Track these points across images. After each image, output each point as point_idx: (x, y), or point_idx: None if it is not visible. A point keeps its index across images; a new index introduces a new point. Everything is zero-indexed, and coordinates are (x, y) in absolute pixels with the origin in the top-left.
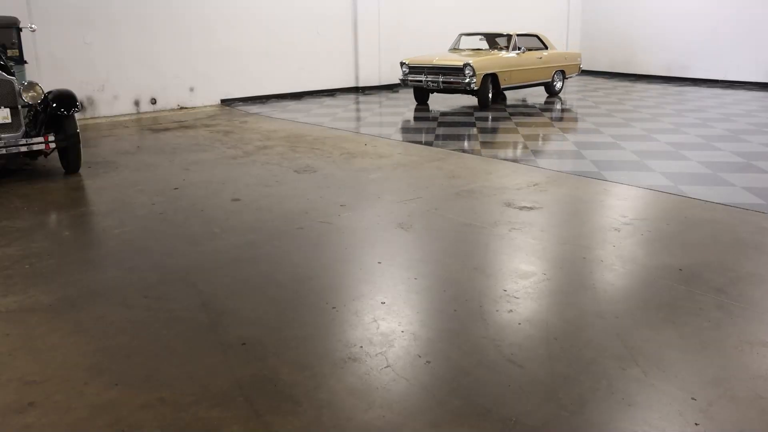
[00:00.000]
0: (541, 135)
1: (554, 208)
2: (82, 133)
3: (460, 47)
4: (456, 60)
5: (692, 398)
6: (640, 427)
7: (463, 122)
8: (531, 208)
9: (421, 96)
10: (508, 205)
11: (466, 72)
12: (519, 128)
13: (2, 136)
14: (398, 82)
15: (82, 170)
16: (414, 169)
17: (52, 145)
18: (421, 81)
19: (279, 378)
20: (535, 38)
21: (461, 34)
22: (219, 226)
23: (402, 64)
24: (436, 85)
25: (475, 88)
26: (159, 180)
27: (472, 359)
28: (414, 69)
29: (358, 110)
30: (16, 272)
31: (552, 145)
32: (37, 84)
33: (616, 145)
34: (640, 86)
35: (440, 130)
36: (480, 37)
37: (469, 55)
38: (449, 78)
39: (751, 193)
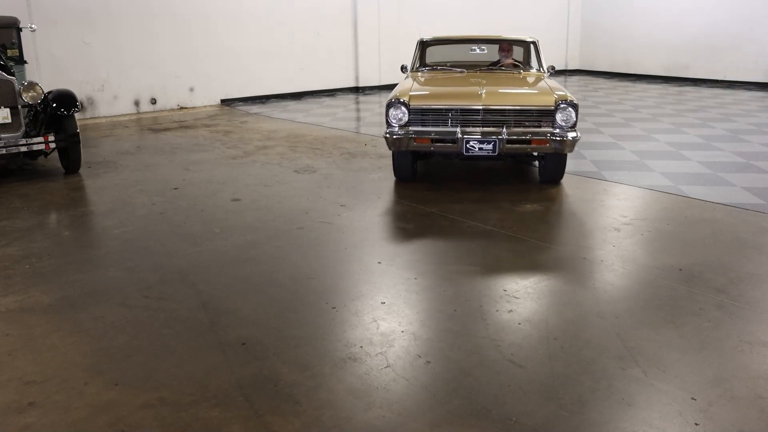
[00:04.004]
0: None
1: (554, 208)
2: (82, 133)
3: (423, 68)
4: (537, 96)
5: (692, 398)
6: (640, 427)
7: None
8: (531, 208)
9: (409, 166)
10: (509, 205)
11: (560, 119)
12: None
13: (2, 136)
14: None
15: (82, 170)
16: None
17: (52, 145)
18: (452, 140)
19: (279, 378)
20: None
21: (422, 43)
22: (219, 226)
23: (396, 103)
24: (490, 147)
25: (569, 152)
26: (159, 180)
27: (472, 359)
28: (428, 113)
29: (358, 110)
30: (16, 272)
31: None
32: (37, 84)
33: (616, 145)
34: (640, 86)
35: None
36: (474, 47)
37: (531, 84)
38: (524, 131)
39: (751, 193)
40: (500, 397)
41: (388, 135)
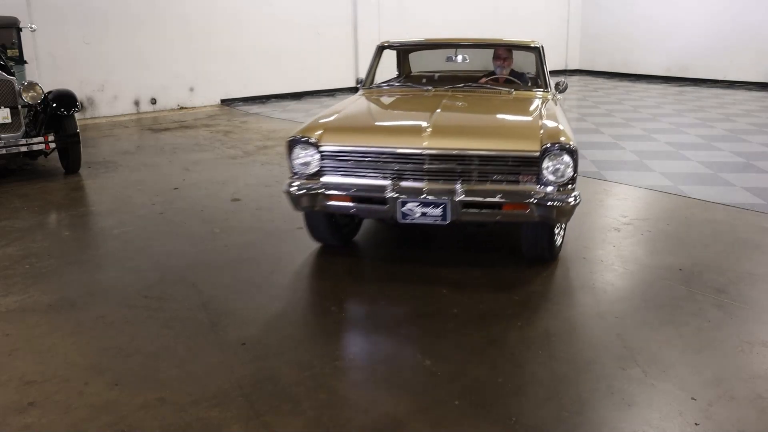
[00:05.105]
0: None
1: None
2: (82, 133)
3: (385, 83)
4: (515, 134)
5: (692, 398)
6: (640, 427)
7: None
8: None
9: (325, 228)
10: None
11: (549, 171)
12: None
13: (2, 136)
14: None
15: (82, 170)
16: None
17: (52, 145)
18: (381, 200)
19: (279, 378)
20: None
21: (382, 47)
22: (219, 226)
23: (300, 142)
24: (438, 213)
25: (562, 222)
26: (159, 180)
27: (472, 359)
28: (347, 158)
29: None
30: (16, 272)
31: None
32: (37, 84)
33: (616, 145)
34: (640, 86)
35: None
36: (452, 55)
37: (516, 112)
38: (493, 189)
39: (751, 193)
40: (500, 397)
41: (290, 190)
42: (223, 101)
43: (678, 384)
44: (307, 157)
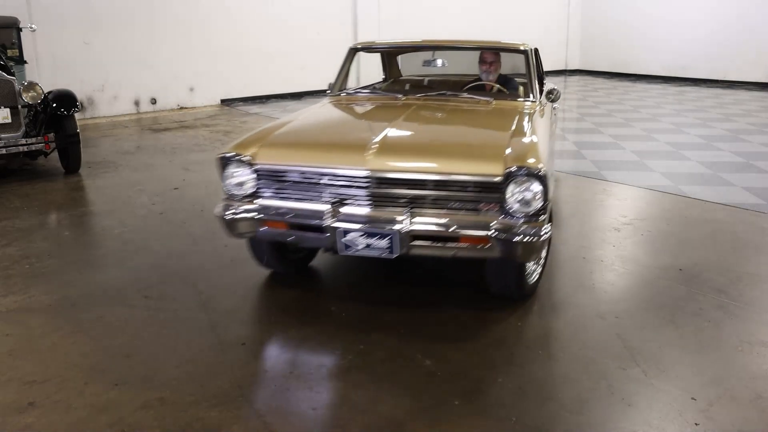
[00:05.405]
0: None
1: (554, 208)
2: (82, 133)
3: (360, 89)
4: (475, 155)
5: (692, 398)
6: (640, 427)
7: None
8: None
9: (268, 253)
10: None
11: (514, 199)
12: None
13: (2, 136)
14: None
15: (82, 170)
16: None
17: (52, 145)
18: (320, 227)
19: (279, 378)
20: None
21: (355, 49)
22: (219, 226)
23: (233, 160)
24: (384, 244)
25: (528, 260)
26: (159, 180)
27: (472, 359)
28: (286, 179)
29: None
30: (16, 272)
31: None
32: (37, 84)
33: (616, 145)
34: (640, 86)
35: None
36: (430, 59)
37: (486, 127)
38: (448, 218)
39: (751, 193)
40: (500, 397)
41: (224, 215)
42: (223, 101)
43: (678, 384)
44: (241, 177)
